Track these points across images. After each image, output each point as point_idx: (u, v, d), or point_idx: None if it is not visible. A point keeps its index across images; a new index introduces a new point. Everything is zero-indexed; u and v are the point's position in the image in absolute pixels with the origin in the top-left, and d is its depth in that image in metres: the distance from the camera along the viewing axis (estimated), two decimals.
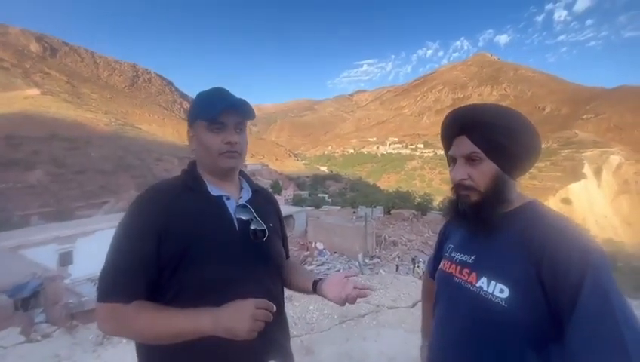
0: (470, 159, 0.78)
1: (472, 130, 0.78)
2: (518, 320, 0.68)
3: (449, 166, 0.86)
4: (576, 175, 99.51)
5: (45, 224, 21.40)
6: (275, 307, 0.78)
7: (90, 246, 14.78)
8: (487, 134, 0.76)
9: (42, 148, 48.61)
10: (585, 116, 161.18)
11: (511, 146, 0.75)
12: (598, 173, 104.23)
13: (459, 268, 0.84)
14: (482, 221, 0.79)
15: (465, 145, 0.79)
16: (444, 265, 0.91)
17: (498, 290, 0.71)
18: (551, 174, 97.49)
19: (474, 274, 0.78)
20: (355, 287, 0.90)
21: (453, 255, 0.88)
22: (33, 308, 6.32)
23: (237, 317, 0.73)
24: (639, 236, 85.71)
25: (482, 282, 0.75)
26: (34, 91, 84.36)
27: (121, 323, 0.76)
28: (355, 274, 0.95)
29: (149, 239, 0.78)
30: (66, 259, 14.98)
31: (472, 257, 0.82)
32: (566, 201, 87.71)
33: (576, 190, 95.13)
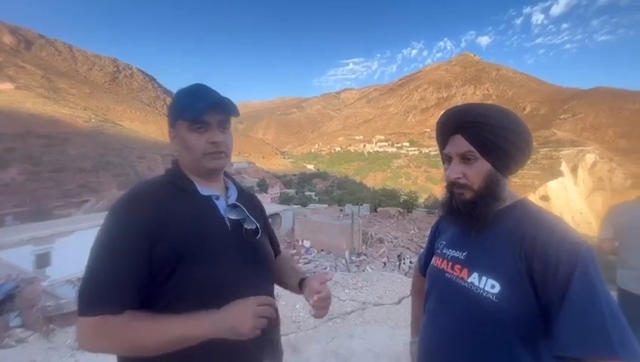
0: (465, 158, 0.79)
1: (467, 130, 0.79)
2: (508, 314, 0.70)
3: (444, 164, 0.87)
4: (554, 173, 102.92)
5: (21, 224, 20.54)
6: (275, 302, 0.78)
7: (70, 246, 14.31)
8: (483, 134, 0.77)
9: (17, 146, 46.45)
10: (562, 116, 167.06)
11: (506, 146, 0.76)
12: (574, 170, 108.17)
13: (450, 264, 0.85)
14: (476, 218, 0.80)
15: (460, 144, 0.80)
16: (435, 261, 0.92)
17: (489, 286, 0.73)
18: (530, 172, 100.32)
19: (465, 270, 0.79)
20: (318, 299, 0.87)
21: (445, 251, 0.90)
22: (8, 312, 6.06)
23: (240, 316, 0.73)
24: None
25: (474, 278, 0.76)
26: (7, 86, 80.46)
27: (112, 337, 0.69)
28: (329, 278, 0.92)
29: (141, 242, 0.73)
30: (43, 261, 14.43)
31: (464, 253, 0.83)
32: (544, 198, 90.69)
33: (554, 187, 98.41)
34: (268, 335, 0.83)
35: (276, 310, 0.94)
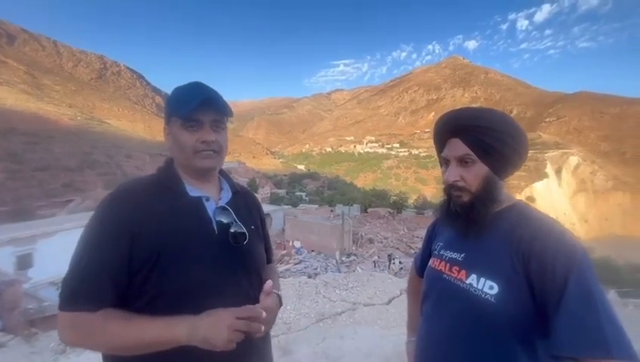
0: (463, 161, 0.80)
1: (465, 133, 0.80)
2: (507, 315, 0.70)
3: (441, 167, 0.87)
4: (539, 174, 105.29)
5: (1, 225, 19.88)
6: (264, 313, 0.74)
7: (53, 247, 13.91)
8: (481, 137, 0.78)
9: None
10: (548, 119, 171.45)
11: (503, 149, 0.78)
12: (558, 172, 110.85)
13: (448, 265, 0.85)
14: (474, 220, 0.80)
15: (458, 147, 0.81)
16: (433, 262, 0.92)
17: (488, 287, 0.73)
18: (517, 173, 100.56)
19: (464, 272, 0.80)
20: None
21: (442, 253, 0.90)
22: None
23: (215, 327, 0.69)
24: (594, 231, 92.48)
25: (472, 279, 0.77)
26: None
27: (86, 334, 0.70)
28: (269, 286, 0.83)
29: (120, 241, 0.73)
30: (24, 262, 14.01)
31: (462, 255, 0.83)
32: (530, 199, 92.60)
33: (539, 189, 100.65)
34: (253, 341, 0.78)
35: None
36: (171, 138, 0.86)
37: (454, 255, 0.85)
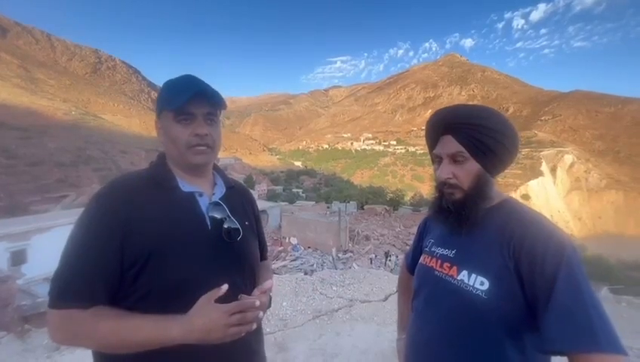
0: (455, 158, 0.80)
1: (458, 130, 0.80)
2: (497, 311, 0.71)
3: (433, 164, 0.87)
4: (534, 172, 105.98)
5: None
6: (257, 301, 0.72)
7: (47, 243, 13.82)
8: (473, 135, 0.78)
9: None
10: (544, 117, 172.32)
11: (495, 147, 0.78)
12: (553, 170, 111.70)
13: (439, 262, 0.86)
14: (465, 217, 0.81)
15: (451, 144, 0.80)
16: (424, 259, 0.92)
17: (478, 283, 0.74)
18: (512, 171, 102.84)
19: (455, 268, 0.80)
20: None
21: (433, 249, 0.90)
22: None
23: (210, 330, 0.68)
24: (588, 229, 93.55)
25: (463, 275, 0.78)
26: None
27: (78, 332, 0.68)
28: (268, 286, 0.82)
29: (111, 238, 0.71)
30: (18, 258, 13.90)
31: (453, 251, 0.84)
32: (525, 197, 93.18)
33: (534, 186, 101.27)
34: (245, 340, 0.76)
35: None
36: (163, 132, 0.84)
37: (445, 251, 0.86)
